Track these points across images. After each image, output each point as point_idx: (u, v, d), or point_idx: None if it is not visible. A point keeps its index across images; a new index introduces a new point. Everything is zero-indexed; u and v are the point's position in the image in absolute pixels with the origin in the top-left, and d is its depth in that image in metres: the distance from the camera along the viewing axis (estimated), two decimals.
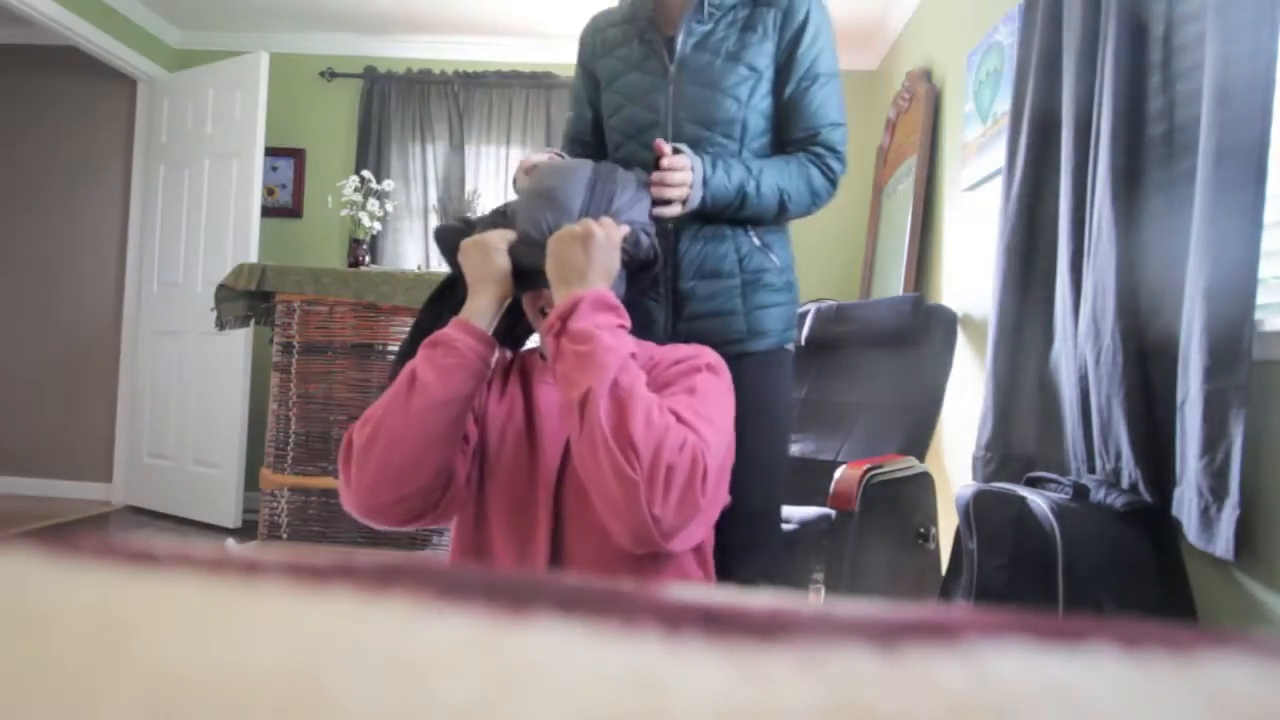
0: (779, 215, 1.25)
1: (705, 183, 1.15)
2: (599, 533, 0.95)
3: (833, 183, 1.27)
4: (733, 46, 1.23)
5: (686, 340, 1.21)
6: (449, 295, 1.13)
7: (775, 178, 1.21)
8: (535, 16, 3.63)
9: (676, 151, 1.14)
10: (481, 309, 0.98)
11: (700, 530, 0.92)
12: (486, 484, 1.02)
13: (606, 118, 1.34)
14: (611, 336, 0.89)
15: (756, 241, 1.26)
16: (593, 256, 0.94)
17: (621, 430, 0.83)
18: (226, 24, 3.88)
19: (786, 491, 1.39)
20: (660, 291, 1.25)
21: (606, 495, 0.85)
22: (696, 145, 1.22)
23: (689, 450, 0.85)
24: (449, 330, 0.96)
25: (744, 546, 1.21)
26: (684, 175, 1.12)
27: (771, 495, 1.30)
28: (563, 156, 1.27)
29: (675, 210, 1.13)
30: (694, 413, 0.90)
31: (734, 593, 0.16)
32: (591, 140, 1.41)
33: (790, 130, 1.27)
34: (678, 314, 1.25)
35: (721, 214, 1.20)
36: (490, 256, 1.00)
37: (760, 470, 1.21)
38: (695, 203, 1.15)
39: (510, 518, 0.99)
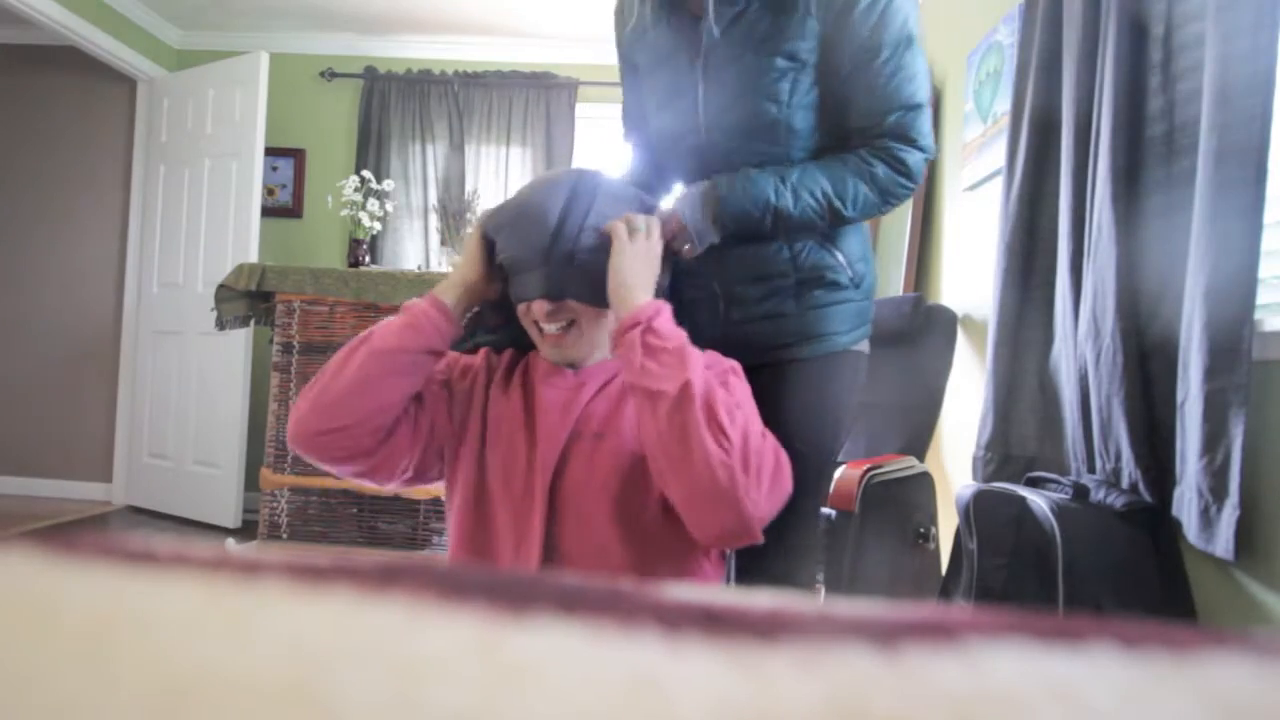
0: (838, 221, 1.08)
1: (722, 202, 1.06)
2: (593, 530, 0.97)
3: (907, 175, 1.06)
4: (766, 30, 1.04)
5: (734, 345, 1.13)
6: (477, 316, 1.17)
7: (822, 182, 1.05)
8: (535, 17, 3.63)
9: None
10: (447, 288, 1.04)
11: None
12: (487, 478, 1.03)
13: (650, 115, 1.22)
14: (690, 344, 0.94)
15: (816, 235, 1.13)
16: (653, 268, 1.00)
17: (713, 419, 0.86)
18: (226, 24, 3.88)
19: None
20: (706, 295, 1.17)
21: (701, 489, 0.86)
22: (732, 157, 1.09)
23: (770, 440, 0.90)
24: (421, 298, 1.02)
25: (777, 557, 1.18)
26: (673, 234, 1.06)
27: (808, 509, 1.19)
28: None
29: (687, 249, 1.08)
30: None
31: (734, 593, 0.16)
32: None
33: (847, 119, 1.06)
34: (726, 318, 1.17)
35: (759, 234, 1.08)
36: (472, 264, 1.06)
37: (799, 480, 1.17)
38: (705, 232, 1.07)
39: (507, 512, 1.01)
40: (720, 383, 0.96)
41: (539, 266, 1.00)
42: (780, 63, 1.04)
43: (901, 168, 1.06)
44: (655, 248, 1.01)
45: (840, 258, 1.14)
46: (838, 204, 1.05)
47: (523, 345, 1.13)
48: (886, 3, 1.02)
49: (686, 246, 1.08)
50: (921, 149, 1.06)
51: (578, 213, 1.01)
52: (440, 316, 1.00)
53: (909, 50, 1.04)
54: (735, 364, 1.04)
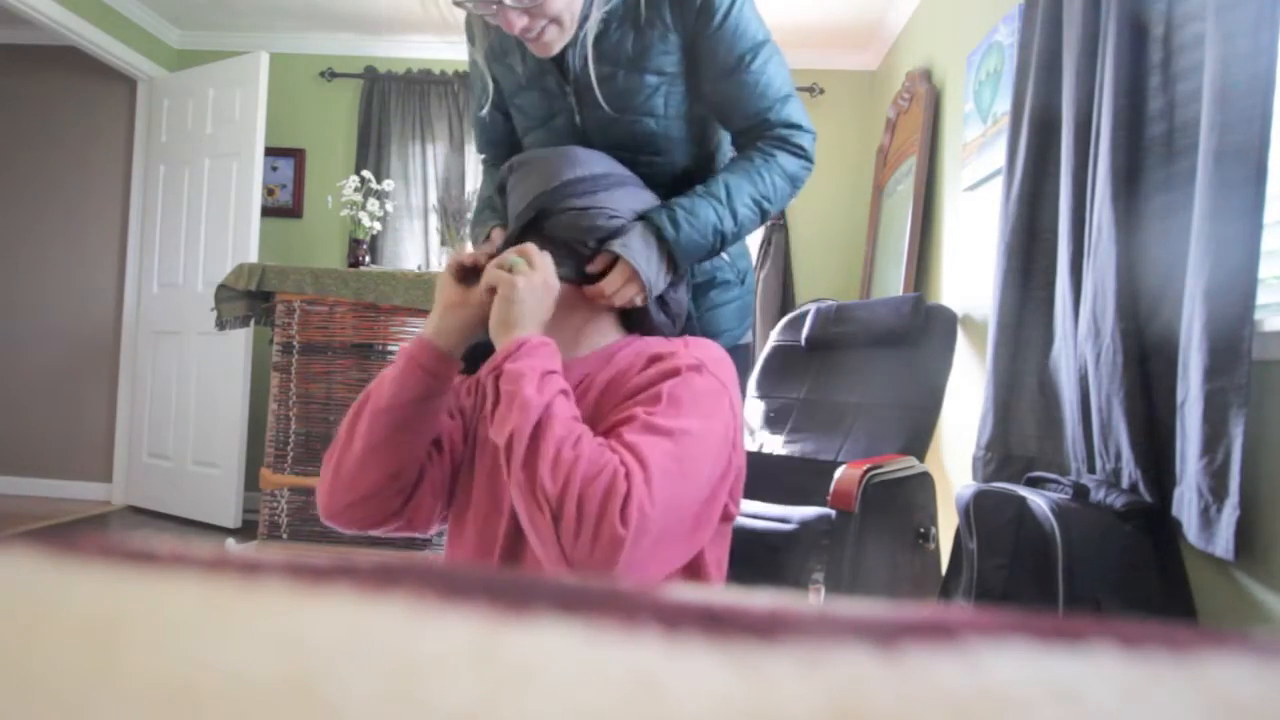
0: (764, 221, 1.12)
1: (674, 245, 1.01)
2: None
3: (805, 157, 1.11)
4: (632, 51, 1.06)
5: None
6: None
7: (748, 190, 1.07)
8: None
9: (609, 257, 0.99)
10: (436, 324, 0.97)
11: (671, 556, 0.87)
12: (473, 485, 1.01)
13: (519, 134, 1.21)
14: (540, 380, 0.85)
15: None
16: (526, 305, 0.91)
17: (530, 472, 0.80)
18: (226, 24, 3.88)
19: (786, 492, 1.39)
20: None
21: (535, 542, 0.83)
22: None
23: (605, 477, 0.78)
24: (411, 342, 0.97)
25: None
26: (619, 288, 0.98)
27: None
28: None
29: (629, 298, 0.99)
30: (644, 427, 0.84)
31: (734, 593, 0.16)
32: (513, 145, 1.24)
33: (733, 121, 1.11)
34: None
35: (704, 260, 1.07)
36: (452, 305, 0.96)
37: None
38: (657, 281, 1.00)
39: (480, 519, 0.99)
40: (650, 396, 0.87)
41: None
42: (651, 79, 1.07)
43: (799, 150, 1.11)
44: (539, 279, 0.91)
45: (725, 257, 1.17)
46: (766, 205, 1.09)
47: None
48: (736, 20, 1.06)
49: (639, 298, 1.00)
50: (808, 130, 1.12)
51: (578, 181, 0.98)
52: (431, 357, 0.94)
53: (765, 50, 1.08)
54: (700, 359, 0.91)
